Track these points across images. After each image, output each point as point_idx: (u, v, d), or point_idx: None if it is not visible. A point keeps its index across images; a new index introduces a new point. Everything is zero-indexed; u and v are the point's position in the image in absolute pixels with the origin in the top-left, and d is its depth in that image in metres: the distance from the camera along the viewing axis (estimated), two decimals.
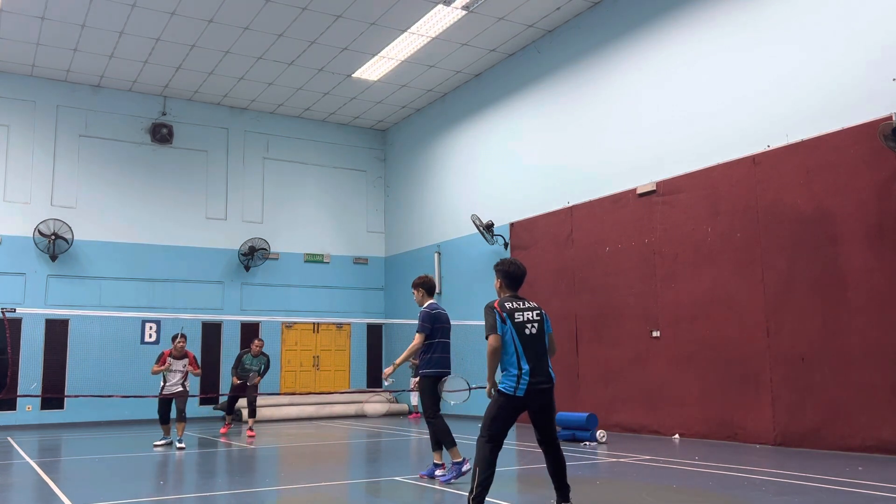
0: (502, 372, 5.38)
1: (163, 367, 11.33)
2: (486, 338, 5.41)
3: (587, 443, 10.63)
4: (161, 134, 17.95)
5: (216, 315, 17.49)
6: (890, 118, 8.80)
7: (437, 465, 7.57)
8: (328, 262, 19.70)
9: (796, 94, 10.15)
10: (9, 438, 12.93)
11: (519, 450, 10.32)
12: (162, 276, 17.60)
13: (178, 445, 10.93)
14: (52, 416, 16.14)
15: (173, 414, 11.35)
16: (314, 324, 19.16)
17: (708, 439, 10.79)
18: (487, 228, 15.66)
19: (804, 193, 9.85)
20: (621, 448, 10.04)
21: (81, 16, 13.86)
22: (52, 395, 15.75)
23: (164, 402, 11.46)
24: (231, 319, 17.47)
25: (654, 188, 12.14)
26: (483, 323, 5.49)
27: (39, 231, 16.22)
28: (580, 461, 8.95)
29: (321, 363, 19.29)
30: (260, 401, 17.11)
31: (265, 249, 18.40)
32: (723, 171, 11.01)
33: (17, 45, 15.16)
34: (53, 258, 16.42)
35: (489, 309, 5.45)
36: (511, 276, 5.66)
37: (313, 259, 19.52)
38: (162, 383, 11.49)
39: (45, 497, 6.92)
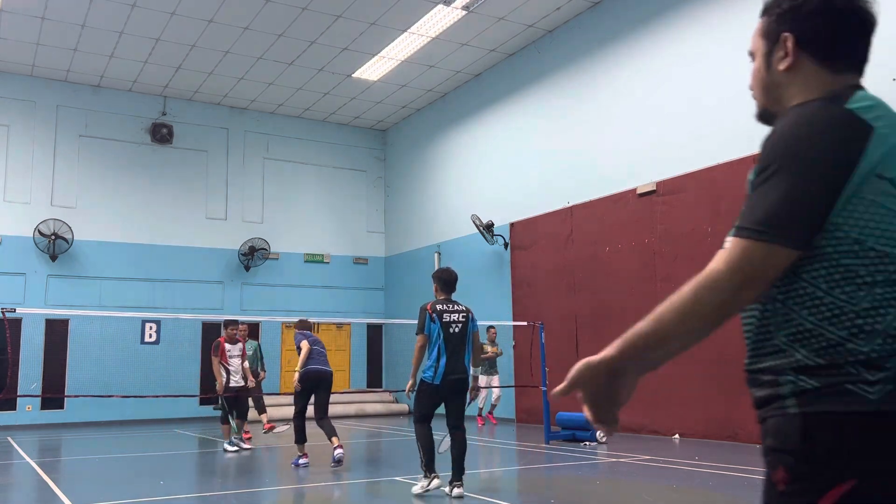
0: (426, 362, 6.46)
1: (223, 360, 10.57)
2: (416, 335, 6.49)
3: (587, 443, 10.63)
4: (161, 134, 17.95)
5: (216, 315, 17.45)
6: None
7: (299, 456, 8.73)
8: (328, 262, 19.70)
9: None
10: (9, 438, 12.93)
11: (519, 450, 10.32)
12: (162, 276, 17.59)
13: (236, 447, 10.45)
14: (52, 416, 16.13)
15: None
16: (314, 324, 19.14)
17: (708, 439, 10.79)
18: (487, 228, 15.67)
19: None
20: (621, 448, 10.04)
21: (81, 16, 13.86)
22: (52, 395, 15.74)
23: (230, 397, 10.67)
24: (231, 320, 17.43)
25: (654, 188, 12.14)
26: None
27: (39, 231, 16.22)
28: (580, 461, 8.95)
29: None
30: None
31: (265, 249, 18.40)
32: (723, 170, 11.01)
33: (17, 45, 15.16)
34: (53, 258, 16.42)
35: (422, 310, 6.54)
36: (444, 281, 6.71)
37: (313, 259, 19.52)
38: (225, 375, 10.67)
39: (45, 497, 6.92)
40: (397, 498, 6.83)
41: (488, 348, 13.69)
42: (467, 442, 6.50)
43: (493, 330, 14.09)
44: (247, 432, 12.67)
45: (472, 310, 6.78)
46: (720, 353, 10.83)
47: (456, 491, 6.25)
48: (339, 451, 8.29)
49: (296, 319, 10.64)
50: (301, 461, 8.65)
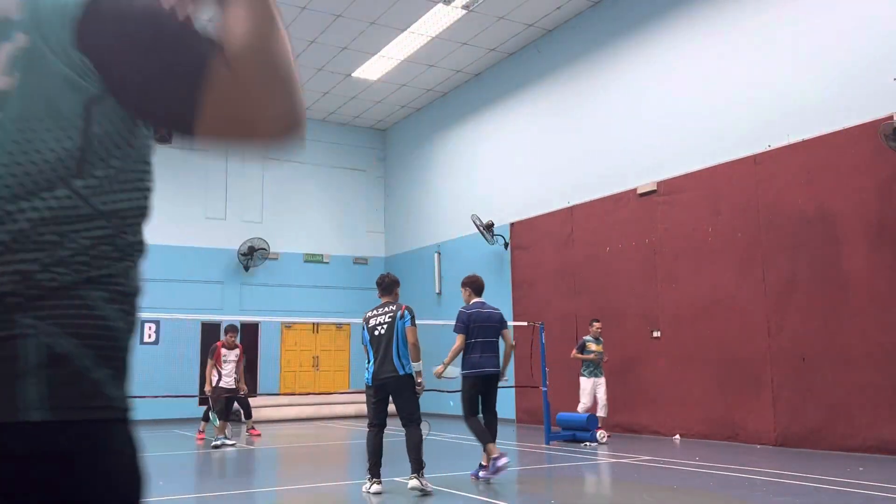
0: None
1: (216, 363, 11.05)
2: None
3: (587, 443, 10.61)
4: (160, 134, 17.87)
5: (215, 315, 17.44)
6: (890, 118, 8.78)
7: (481, 466, 7.44)
8: (328, 263, 19.67)
9: (797, 94, 10.13)
10: None
11: (519, 450, 10.31)
12: (161, 276, 17.55)
13: (226, 443, 10.70)
14: None
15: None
16: (314, 324, 19.14)
17: (708, 439, 10.77)
18: (487, 228, 15.64)
19: (805, 193, 9.84)
20: (621, 448, 10.02)
21: None
22: None
23: (223, 397, 11.03)
24: (230, 320, 17.39)
25: (655, 188, 12.12)
26: None
27: None
28: (581, 462, 8.93)
29: (321, 363, 19.26)
30: (260, 401, 17.11)
31: (264, 249, 18.37)
32: (724, 170, 10.99)
33: None
34: None
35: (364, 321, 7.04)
36: (380, 285, 7.04)
37: (313, 259, 19.49)
38: (217, 377, 11.09)
39: None
40: (397, 498, 6.81)
41: (592, 346, 11.35)
42: (421, 437, 6.72)
43: (596, 325, 11.55)
44: (254, 428, 12.96)
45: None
46: (720, 353, 10.82)
47: (412, 483, 6.52)
48: (500, 460, 7.08)
49: (292, 320, 10.32)
50: (501, 462, 7.09)
